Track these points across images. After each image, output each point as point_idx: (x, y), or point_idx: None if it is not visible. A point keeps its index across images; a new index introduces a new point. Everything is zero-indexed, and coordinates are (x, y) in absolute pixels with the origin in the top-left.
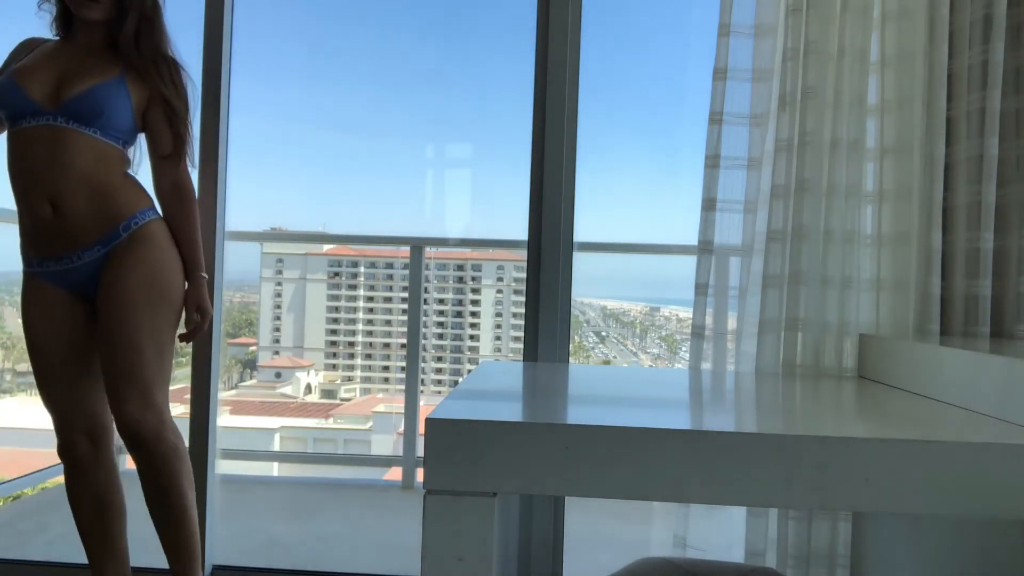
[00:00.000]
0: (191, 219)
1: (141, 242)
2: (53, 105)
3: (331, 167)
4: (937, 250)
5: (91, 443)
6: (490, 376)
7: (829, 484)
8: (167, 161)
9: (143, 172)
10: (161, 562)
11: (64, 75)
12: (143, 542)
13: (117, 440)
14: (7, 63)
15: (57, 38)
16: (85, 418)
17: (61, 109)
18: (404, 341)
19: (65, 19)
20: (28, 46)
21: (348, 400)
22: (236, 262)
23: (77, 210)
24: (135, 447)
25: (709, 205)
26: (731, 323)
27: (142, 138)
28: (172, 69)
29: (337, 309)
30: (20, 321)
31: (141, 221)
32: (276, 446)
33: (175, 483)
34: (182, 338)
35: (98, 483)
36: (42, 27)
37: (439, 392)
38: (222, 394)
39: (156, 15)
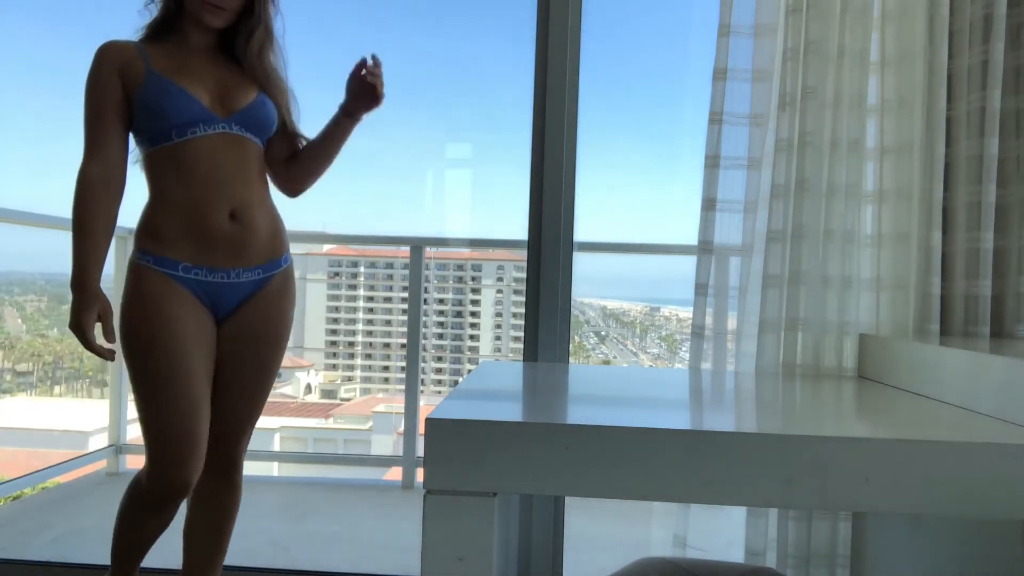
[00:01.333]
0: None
1: (290, 284)
2: (226, 113)
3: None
4: (937, 250)
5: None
6: (490, 376)
7: (829, 484)
8: (281, 164)
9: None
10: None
11: (223, 82)
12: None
13: None
14: (110, 71)
15: (141, 41)
16: (206, 443)
17: (236, 117)
18: (404, 341)
19: (168, 22)
20: (126, 49)
21: (348, 400)
22: None
23: (259, 225)
24: (227, 477)
25: (709, 205)
26: (731, 323)
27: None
28: (279, 77)
29: (337, 309)
30: (123, 322)
31: (290, 259)
32: (276, 446)
33: (236, 513)
34: None
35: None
36: (43, 28)
37: (439, 392)
38: None
39: (273, 25)
